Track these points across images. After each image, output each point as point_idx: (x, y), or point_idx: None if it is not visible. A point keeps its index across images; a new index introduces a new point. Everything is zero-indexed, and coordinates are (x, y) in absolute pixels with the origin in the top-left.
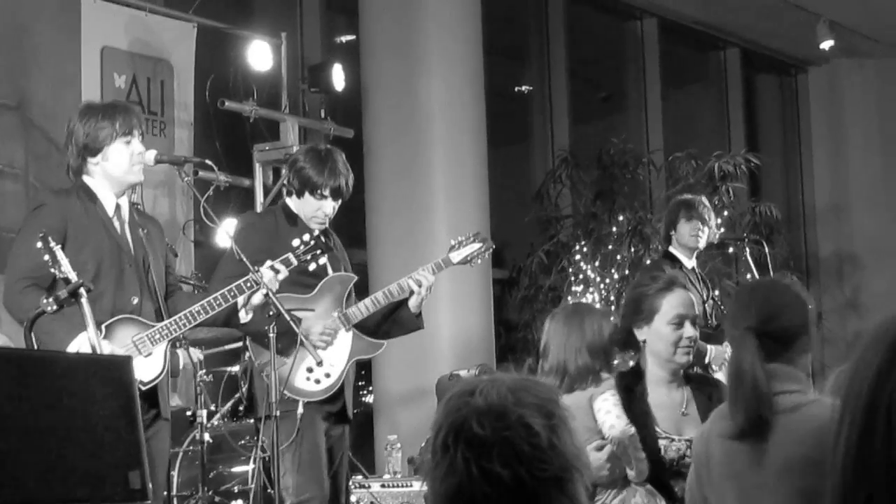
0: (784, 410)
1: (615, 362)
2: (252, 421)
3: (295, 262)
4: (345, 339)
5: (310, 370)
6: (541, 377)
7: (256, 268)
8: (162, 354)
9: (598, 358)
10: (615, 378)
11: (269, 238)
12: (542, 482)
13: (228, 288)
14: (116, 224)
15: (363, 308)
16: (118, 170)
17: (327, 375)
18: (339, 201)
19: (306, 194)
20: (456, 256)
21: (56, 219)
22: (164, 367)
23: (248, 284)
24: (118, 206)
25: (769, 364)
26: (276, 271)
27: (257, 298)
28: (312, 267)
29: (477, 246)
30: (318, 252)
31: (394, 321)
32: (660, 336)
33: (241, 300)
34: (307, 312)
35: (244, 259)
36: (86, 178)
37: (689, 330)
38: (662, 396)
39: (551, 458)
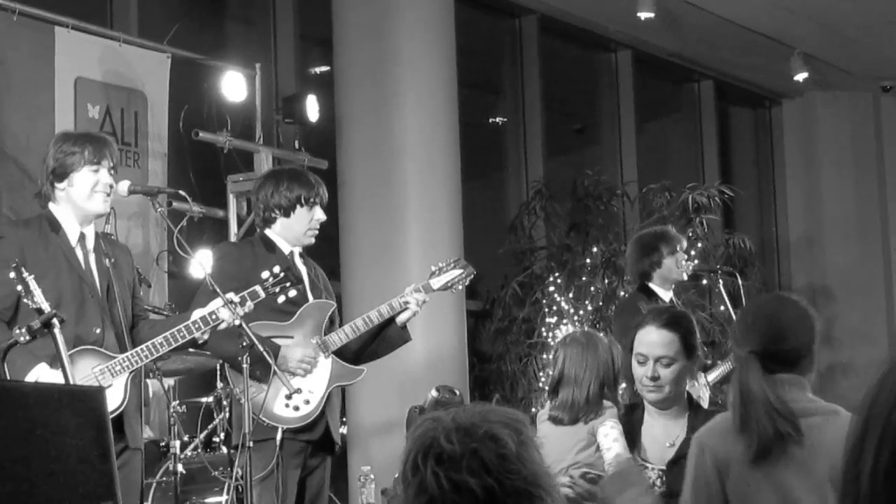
0: (823, 413)
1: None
2: (225, 450)
3: (263, 294)
4: (324, 365)
5: (288, 397)
6: (552, 408)
7: (230, 298)
8: (122, 386)
9: (609, 388)
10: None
11: (248, 268)
12: (511, 493)
13: (193, 321)
14: (79, 254)
15: (342, 335)
16: (81, 197)
17: (306, 402)
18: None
19: (297, 209)
20: (436, 283)
21: (12, 250)
22: (124, 399)
23: (213, 317)
24: (83, 236)
25: (776, 376)
26: (235, 305)
27: (220, 328)
28: (281, 300)
29: (458, 272)
30: (288, 284)
31: (381, 340)
32: (633, 370)
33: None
34: (286, 339)
35: (218, 291)
36: (52, 207)
37: (647, 369)
38: (657, 427)
39: (519, 468)
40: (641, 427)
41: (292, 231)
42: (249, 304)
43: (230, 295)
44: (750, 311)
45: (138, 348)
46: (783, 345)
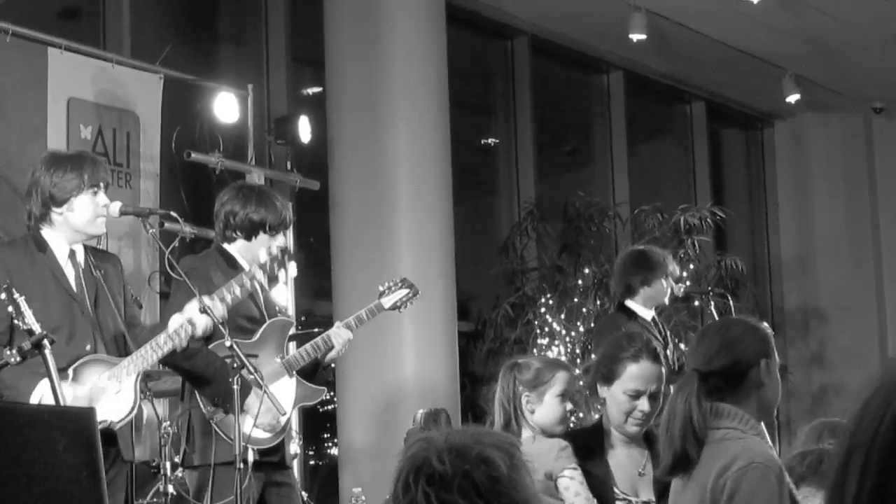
0: (712, 441)
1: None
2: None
3: (247, 283)
4: (289, 385)
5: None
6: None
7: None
8: (132, 390)
9: (511, 411)
10: (570, 437)
11: (219, 283)
12: None
13: (188, 317)
14: (68, 271)
15: (304, 354)
16: (81, 221)
17: (276, 421)
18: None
19: (260, 235)
20: (387, 302)
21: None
22: (135, 402)
23: (191, 324)
24: (72, 252)
25: (713, 402)
26: (204, 311)
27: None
28: (282, 275)
29: (404, 292)
30: (277, 266)
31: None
32: (615, 401)
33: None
34: (251, 358)
35: (205, 302)
36: (43, 228)
37: (643, 404)
38: (622, 456)
39: (510, 492)
40: (608, 456)
41: (251, 253)
42: (219, 307)
43: (205, 298)
44: (699, 332)
45: (141, 349)
46: (726, 359)
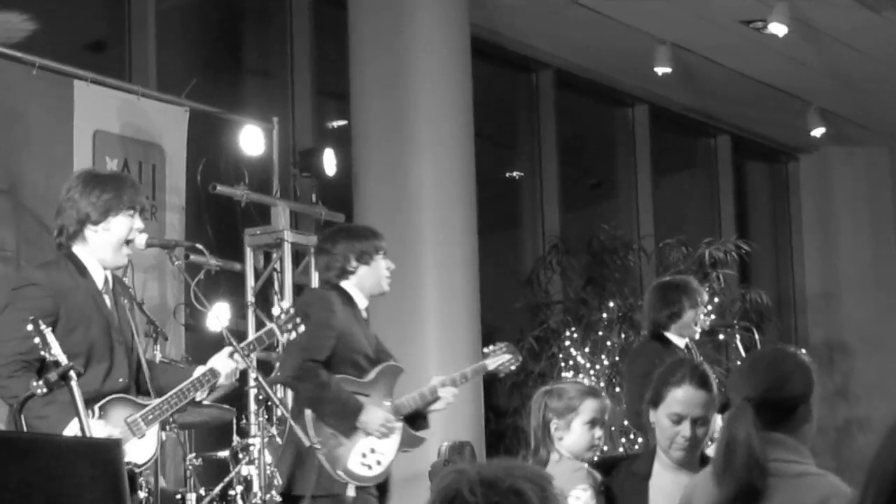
0: (785, 475)
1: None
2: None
3: (279, 334)
4: (397, 428)
5: (363, 455)
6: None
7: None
8: (155, 435)
9: (541, 437)
10: (618, 461)
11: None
12: None
13: (202, 374)
14: (107, 299)
15: (412, 401)
16: (114, 242)
17: (378, 462)
18: None
19: (377, 258)
20: (491, 364)
21: (48, 301)
22: (157, 448)
23: (212, 373)
24: (107, 280)
25: (769, 432)
26: (235, 360)
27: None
28: (285, 338)
29: (508, 357)
30: (298, 321)
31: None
32: (660, 426)
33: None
34: (362, 397)
35: (233, 342)
36: (76, 248)
37: (685, 429)
38: (668, 482)
39: None
40: (649, 481)
41: (373, 278)
42: (241, 363)
43: (226, 350)
44: (748, 360)
45: (168, 395)
46: (780, 393)
